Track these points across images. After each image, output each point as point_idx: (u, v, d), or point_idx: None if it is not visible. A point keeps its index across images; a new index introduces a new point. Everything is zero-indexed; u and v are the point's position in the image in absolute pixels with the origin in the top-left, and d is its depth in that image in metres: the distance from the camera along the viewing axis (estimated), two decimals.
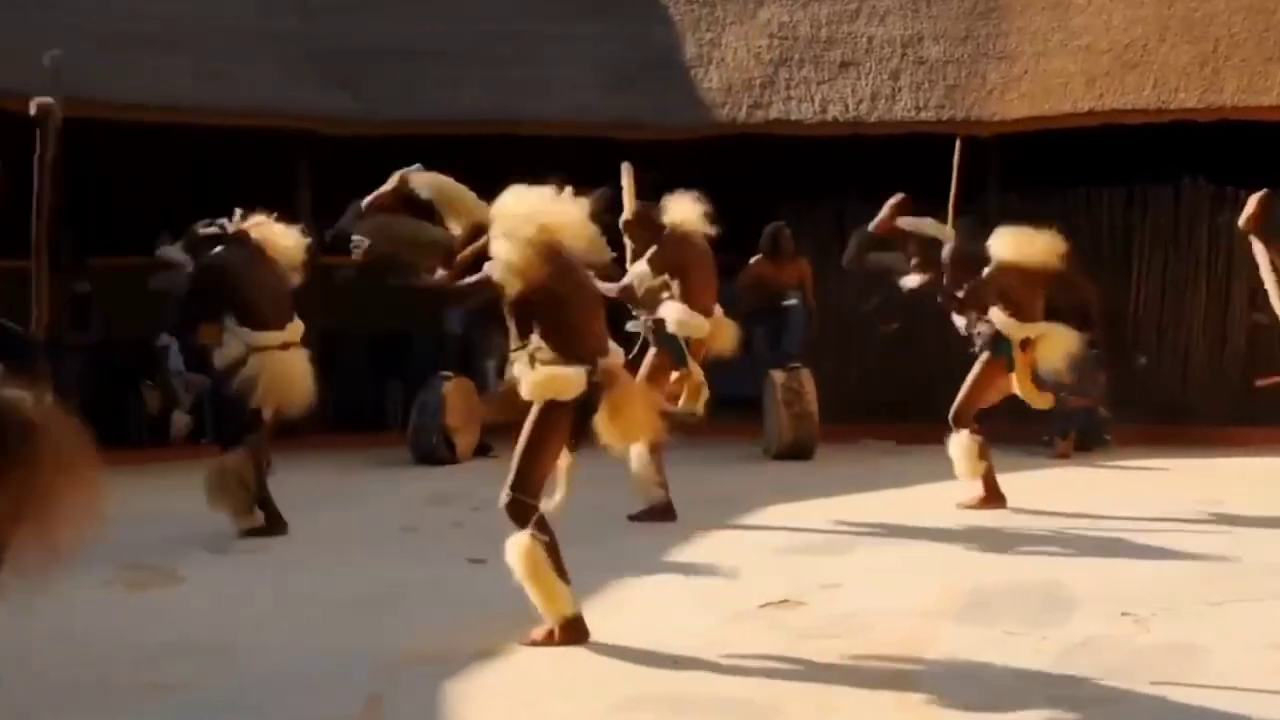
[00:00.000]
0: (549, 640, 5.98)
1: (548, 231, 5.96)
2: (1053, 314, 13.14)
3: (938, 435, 9.48)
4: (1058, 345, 9.38)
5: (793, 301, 12.81)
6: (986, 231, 9.64)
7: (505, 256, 5.90)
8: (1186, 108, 13.13)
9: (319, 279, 10.93)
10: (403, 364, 13.83)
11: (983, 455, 9.24)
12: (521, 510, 5.93)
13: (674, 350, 9.04)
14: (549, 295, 5.95)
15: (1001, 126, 13.54)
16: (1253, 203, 6.97)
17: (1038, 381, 9.44)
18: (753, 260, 12.58)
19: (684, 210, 9.16)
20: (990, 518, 9.04)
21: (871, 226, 10.40)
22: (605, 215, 6.47)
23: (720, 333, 9.35)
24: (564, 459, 6.11)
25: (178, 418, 13.19)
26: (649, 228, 9.06)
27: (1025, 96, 13.58)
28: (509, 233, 5.95)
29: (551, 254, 5.94)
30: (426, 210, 7.42)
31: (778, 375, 12.37)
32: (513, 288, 5.93)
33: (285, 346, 8.67)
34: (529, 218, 5.96)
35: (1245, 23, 13.51)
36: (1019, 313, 9.32)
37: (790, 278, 12.91)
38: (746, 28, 14.57)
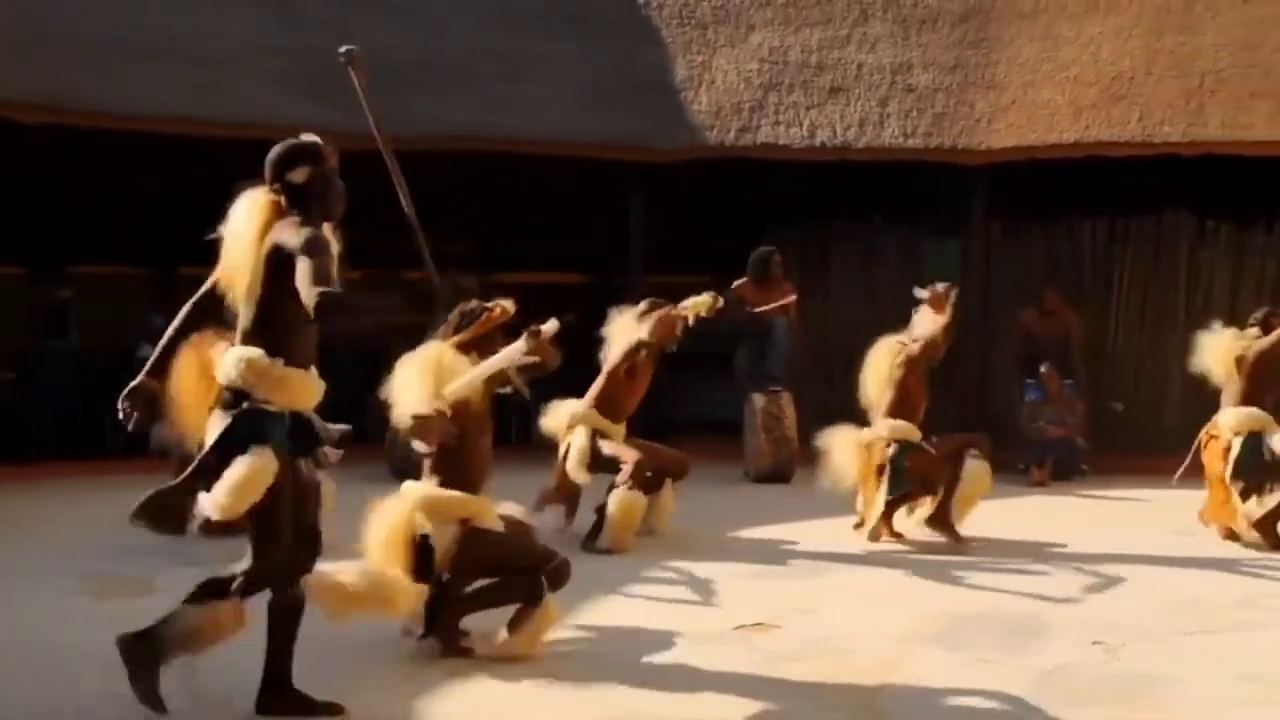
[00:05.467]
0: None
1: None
2: (1034, 345, 13.32)
3: None
4: None
5: (776, 326, 12.83)
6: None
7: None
8: (1171, 141, 13.21)
9: None
10: (381, 376, 13.82)
11: None
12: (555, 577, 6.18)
13: None
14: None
15: (988, 155, 13.60)
16: None
17: None
18: (737, 284, 12.56)
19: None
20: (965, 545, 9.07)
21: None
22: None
23: None
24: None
25: (156, 429, 13.14)
26: None
27: (1012, 126, 13.64)
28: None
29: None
30: None
31: (758, 399, 12.41)
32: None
33: None
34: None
35: (1230, 59, 13.60)
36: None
37: (774, 303, 12.91)
38: (737, 51, 14.62)
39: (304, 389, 5.24)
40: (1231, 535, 9.25)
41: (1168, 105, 13.40)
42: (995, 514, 9.64)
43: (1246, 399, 9.19)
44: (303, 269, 4.87)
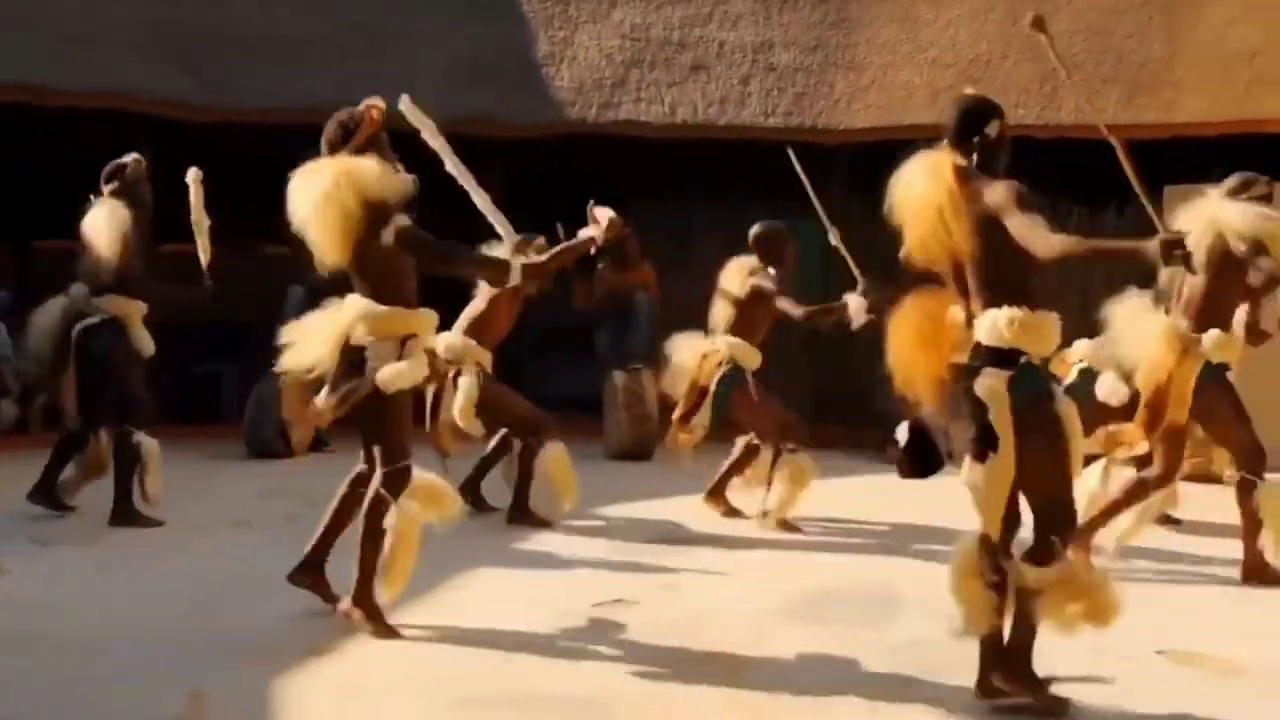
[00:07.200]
0: (372, 620, 6.05)
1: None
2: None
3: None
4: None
5: (639, 304, 12.86)
6: None
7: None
8: (1025, 124, 13.41)
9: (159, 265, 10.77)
10: (239, 354, 13.63)
11: None
12: (401, 479, 6.06)
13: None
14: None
15: (847, 135, 13.72)
16: None
17: None
18: (600, 265, 12.53)
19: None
20: (824, 522, 9.15)
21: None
22: None
23: None
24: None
25: (5, 406, 12.87)
26: None
27: (871, 107, 13.78)
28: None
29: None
30: None
31: (619, 377, 12.44)
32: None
33: None
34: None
35: (1084, 44, 13.85)
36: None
37: (634, 282, 12.95)
38: (599, 27, 14.60)
39: (1055, 335, 5.17)
40: None
41: (1023, 89, 13.62)
42: (853, 491, 9.77)
43: None
44: (1020, 220, 4.99)
